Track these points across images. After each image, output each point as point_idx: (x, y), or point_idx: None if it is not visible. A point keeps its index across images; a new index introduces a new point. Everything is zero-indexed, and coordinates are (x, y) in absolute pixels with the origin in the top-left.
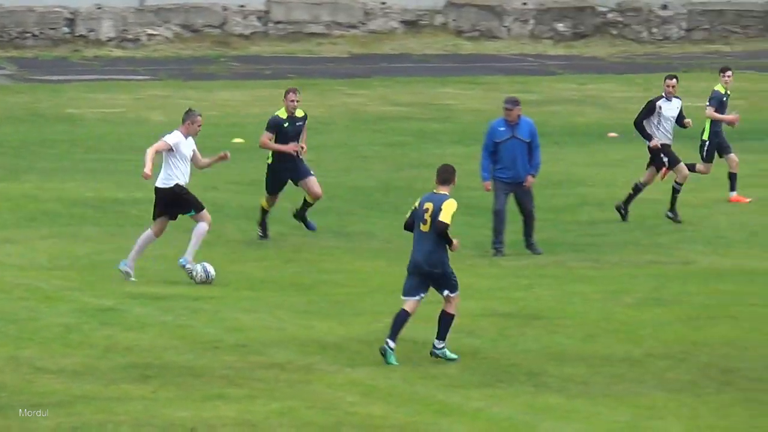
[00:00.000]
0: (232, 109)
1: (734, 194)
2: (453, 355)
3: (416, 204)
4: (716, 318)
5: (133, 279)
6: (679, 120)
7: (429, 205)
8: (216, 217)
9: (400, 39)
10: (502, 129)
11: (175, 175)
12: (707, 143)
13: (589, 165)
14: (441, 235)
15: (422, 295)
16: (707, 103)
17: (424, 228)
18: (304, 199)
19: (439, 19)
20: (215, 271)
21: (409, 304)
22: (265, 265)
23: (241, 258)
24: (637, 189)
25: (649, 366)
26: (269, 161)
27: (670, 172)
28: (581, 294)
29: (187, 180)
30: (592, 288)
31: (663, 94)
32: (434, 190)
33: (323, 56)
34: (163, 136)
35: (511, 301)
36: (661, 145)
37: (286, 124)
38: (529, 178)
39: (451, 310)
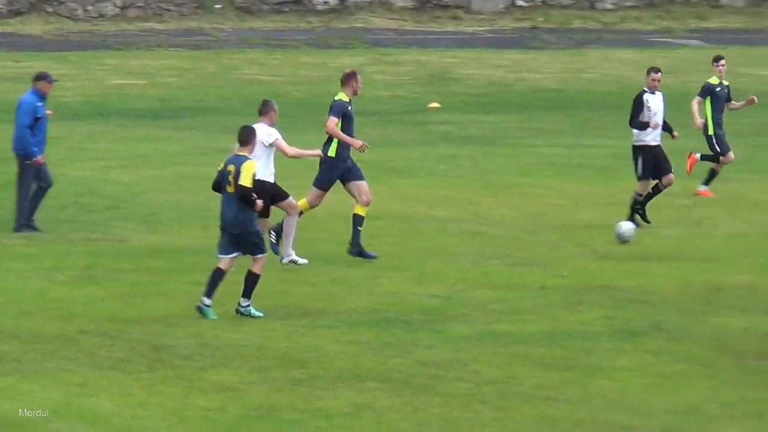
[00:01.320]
0: None
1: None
2: (258, 313)
3: (222, 165)
4: (148, 295)
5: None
6: (665, 126)
7: (231, 167)
8: None
9: None
10: (40, 104)
11: (273, 169)
12: (713, 138)
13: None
14: (243, 198)
15: (236, 253)
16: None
17: (230, 189)
18: (355, 215)
19: None
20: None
21: (223, 262)
22: None
23: None
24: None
25: (82, 343)
26: (330, 154)
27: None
28: (15, 271)
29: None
30: (26, 265)
31: (646, 89)
32: (236, 152)
33: None
34: (275, 136)
35: None
36: (645, 147)
37: (350, 108)
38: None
39: (256, 269)
